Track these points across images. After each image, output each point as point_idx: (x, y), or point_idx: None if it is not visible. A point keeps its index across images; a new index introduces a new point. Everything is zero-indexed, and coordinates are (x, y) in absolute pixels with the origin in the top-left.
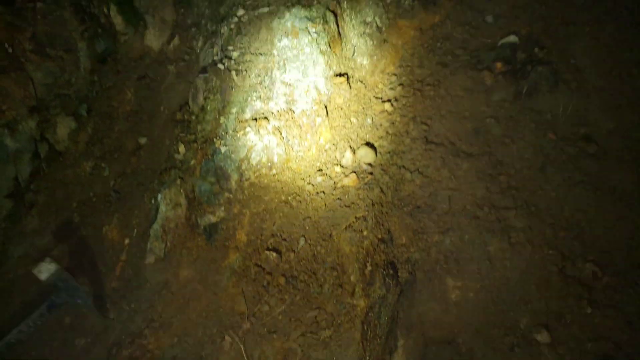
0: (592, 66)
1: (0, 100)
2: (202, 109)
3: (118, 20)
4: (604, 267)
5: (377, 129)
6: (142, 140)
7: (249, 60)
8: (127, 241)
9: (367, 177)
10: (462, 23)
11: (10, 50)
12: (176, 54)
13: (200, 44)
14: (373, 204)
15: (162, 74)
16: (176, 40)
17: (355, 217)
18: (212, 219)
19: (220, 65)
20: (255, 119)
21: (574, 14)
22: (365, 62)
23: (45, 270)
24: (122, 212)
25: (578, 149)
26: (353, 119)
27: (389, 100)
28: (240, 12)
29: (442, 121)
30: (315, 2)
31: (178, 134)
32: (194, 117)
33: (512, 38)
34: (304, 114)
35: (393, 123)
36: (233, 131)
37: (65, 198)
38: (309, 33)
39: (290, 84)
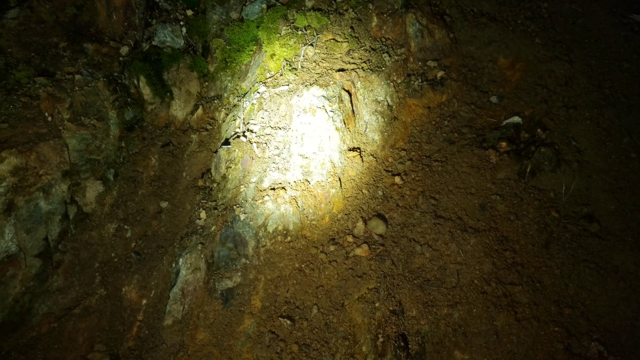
0: (593, 148)
1: (38, 166)
2: (224, 177)
3: (146, 91)
4: (609, 347)
5: (387, 201)
6: (164, 205)
7: (269, 134)
8: (144, 302)
9: (378, 248)
10: (468, 102)
11: (49, 119)
12: (199, 123)
13: (222, 115)
14: (385, 276)
15: (185, 142)
16: (200, 111)
17: (368, 288)
18: (229, 284)
19: (242, 138)
20: (274, 189)
21: (575, 98)
22: (376, 137)
23: None
24: (142, 273)
25: (581, 227)
26: (365, 191)
27: (399, 174)
28: (262, 88)
29: (449, 196)
30: (331, 82)
31: (199, 200)
32: (215, 185)
33: (516, 119)
34: (319, 185)
35: (403, 196)
36: (252, 199)
37: (89, 258)
38: (326, 111)
39: (306, 157)
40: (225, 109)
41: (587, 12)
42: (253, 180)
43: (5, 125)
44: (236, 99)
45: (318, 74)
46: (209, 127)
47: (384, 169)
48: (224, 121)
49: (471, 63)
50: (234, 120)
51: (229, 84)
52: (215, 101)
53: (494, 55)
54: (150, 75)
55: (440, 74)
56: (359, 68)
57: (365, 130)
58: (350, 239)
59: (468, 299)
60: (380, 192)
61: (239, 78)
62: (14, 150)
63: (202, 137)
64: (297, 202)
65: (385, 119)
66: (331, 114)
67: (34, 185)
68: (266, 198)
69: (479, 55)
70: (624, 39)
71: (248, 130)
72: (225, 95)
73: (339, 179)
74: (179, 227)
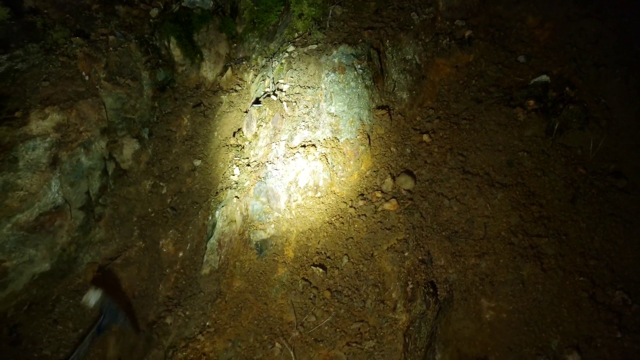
0: (622, 106)
1: (78, 123)
2: (255, 135)
3: (177, 53)
4: (633, 295)
5: (415, 158)
6: (197, 163)
7: (298, 93)
8: (181, 254)
9: (407, 202)
10: (496, 62)
11: (87, 78)
12: (228, 84)
13: (251, 76)
14: (413, 228)
15: (215, 103)
16: (229, 72)
17: (397, 239)
18: (263, 235)
19: (272, 97)
20: (304, 146)
21: (605, 56)
22: (404, 96)
23: (93, 298)
24: (177, 227)
25: (608, 183)
26: (393, 149)
27: (427, 132)
28: (291, 48)
29: (477, 153)
30: (360, 40)
31: (232, 157)
32: (247, 143)
33: (544, 77)
34: (348, 143)
35: (431, 153)
36: (283, 156)
37: (127, 212)
38: (355, 69)
39: (336, 115)
40: (253, 69)
41: None
42: (284, 137)
43: (46, 84)
44: (264, 59)
45: (347, 32)
46: (238, 88)
47: (412, 127)
48: (252, 82)
49: (499, 22)
50: (263, 80)
51: (257, 45)
52: (244, 62)
53: (522, 14)
54: (181, 37)
55: (468, 33)
56: (387, 27)
57: (393, 89)
58: (378, 194)
59: (495, 249)
60: (408, 150)
61: (267, 39)
62: (56, 107)
63: (231, 98)
64: (326, 159)
65: (414, 78)
66: (360, 72)
67: (76, 141)
68: (297, 155)
69: (507, 15)
70: None
71: (278, 89)
72: (254, 56)
73: (368, 137)
74: (213, 184)
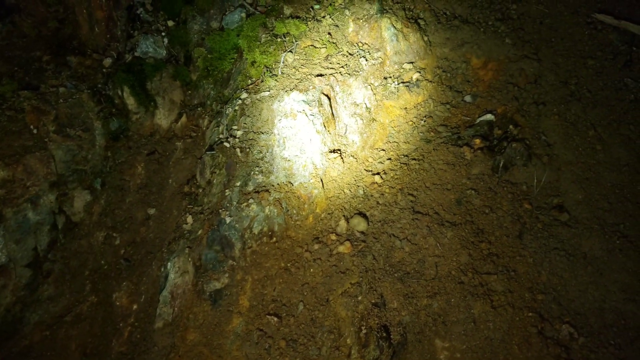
0: (561, 142)
1: (25, 178)
2: (209, 182)
3: (131, 101)
4: (579, 328)
5: (368, 199)
6: (151, 211)
7: (252, 139)
8: (135, 307)
9: (360, 244)
10: (443, 102)
11: (35, 131)
12: (183, 131)
13: (206, 122)
14: (367, 270)
15: (170, 150)
16: (184, 119)
17: (350, 283)
18: (217, 285)
19: (226, 144)
20: (258, 192)
21: (544, 94)
22: (356, 138)
23: None
24: (131, 279)
25: (552, 217)
26: (346, 190)
27: (378, 174)
28: (244, 95)
29: (427, 192)
30: (311, 87)
31: (186, 205)
32: (200, 190)
33: (489, 116)
34: (302, 187)
35: (382, 194)
36: (237, 203)
37: (79, 266)
38: (306, 114)
39: (289, 160)
40: (208, 115)
41: (554, 13)
42: (238, 184)
43: None
44: (219, 105)
45: (298, 79)
46: (193, 134)
47: (364, 169)
48: (207, 128)
49: (445, 64)
50: (217, 126)
51: (212, 92)
52: (199, 109)
53: (467, 56)
54: (134, 86)
55: (415, 75)
56: (337, 72)
57: (345, 132)
58: (333, 237)
59: (446, 289)
60: (361, 191)
61: (221, 85)
62: (1, 163)
63: (186, 145)
64: (281, 204)
65: (364, 121)
66: (311, 117)
67: (22, 197)
68: (251, 201)
69: (452, 57)
70: (588, 37)
71: (231, 135)
72: (209, 102)
73: (321, 180)
74: (167, 233)
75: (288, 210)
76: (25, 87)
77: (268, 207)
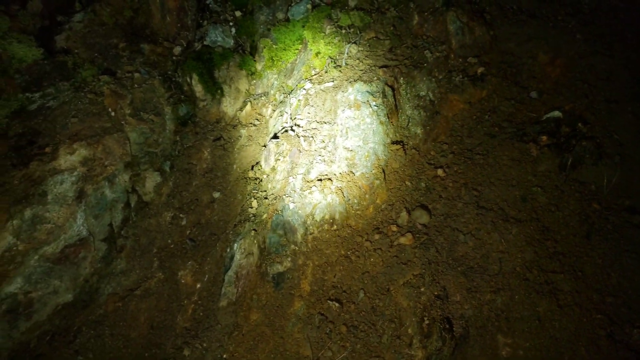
0: (634, 141)
1: (104, 157)
2: (273, 169)
3: (198, 89)
4: None
5: (430, 192)
6: (216, 195)
7: (315, 128)
8: (199, 285)
9: (422, 237)
10: (508, 98)
11: (113, 114)
12: (247, 119)
13: (269, 111)
14: (429, 263)
15: (235, 137)
16: (248, 107)
17: (412, 274)
18: (280, 268)
19: (290, 132)
20: (320, 180)
21: (616, 92)
22: (419, 131)
23: None
24: (196, 259)
25: (623, 219)
26: (408, 183)
27: (441, 167)
28: (308, 85)
29: (491, 188)
30: (375, 78)
31: (251, 190)
32: (265, 176)
33: (556, 113)
34: (364, 177)
35: (446, 188)
36: (300, 190)
37: (148, 244)
38: (370, 105)
39: (351, 150)
40: (272, 105)
41: (628, 7)
42: (301, 171)
43: (75, 120)
44: (282, 95)
45: (362, 70)
46: (256, 122)
47: (427, 162)
48: (271, 117)
49: (511, 59)
50: (281, 115)
51: (276, 82)
52: (263, 98)
53: (533, 51)
54: (202, 74)
55: (480, 70)
56: (401, 64)
57: (407, 124)
58: (394, 228)
59: (510, 285)
60: (423, 184)
61: (285, 75)
62: (83, 142)
63: (250, 132)
64: (342, 193)
65: (427, 114)
66: (375, 108)
67: (101, 175)
68: (313, 188)
69: (518, 52)
70: None
71: (295, 124)
72: (272, 92)
73: (383, 171)
74: (231, 216)
75: (349, 199)
76: (104, 72)
77: (330, 195)
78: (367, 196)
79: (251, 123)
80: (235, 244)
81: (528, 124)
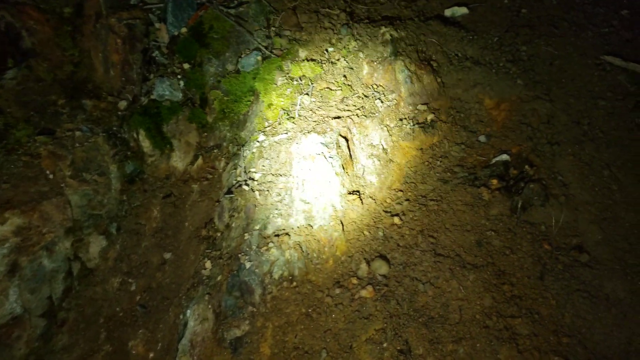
0: (577, 182)
1: (41, 225)
2: (227, 226)
3: (146, 144)
4: None
5: (388, 241)
6: (168, 256)
7: (270, 181)
8: (151, 355)
9: (382, 288)
10: (458, 142)
11: (51, 176)
12: (199, 173)
13: (222, 164)
14: (391, 316)
15: (186, 193)
16: (200, 161)
17: (375, 329)
18: (238, 332)
19: (244, 187)
20: (278, 235)
21: (557, 135)
22: (374, 179)
23: None
24: (147, 326)
25: (572, 258)
26: (366, 232)
27: (397, 215)
28: (261, 137)
29: (447, 234)
30: (328, 129)
31: (204, 250)
32: (219, 234)
33: (504, 156)
34: (322, 229)
35: (403, 236)
36: (257, 247)
37: (93, 314)
38: (325, 157)
39: (308, 202)
40: (225, 157)
41: (563, 55)
42: (257, 227)
43: (7, 186)
44: (236, 147)
45: (315, 121)
46: (209, 176)
47: (383, 210)
48: (224, 170)
49: (459, 105)
50: (235, 169)
51: (228, 134)
52: (215, 150)
53: (479, 96)
54: (150, 129)
55: (430, 116)
56: (353, 115)
57: (363, 173)
58: (354, 280)
59: (471, 333)
60: (381, 233)
61: (237, 127)
62: (17, 210)
63: (203, 187)
64: (301, 247)
65: (381, 162)
66: (330, 160)
67: (38, 244)
68: (270, 245)
69: (465, 97)
70: (597, 78)
71: (250, 178)
72: (225, 144)
73: (341, 222)
74: (184, 278)
75: (308, 253)
76: (41, 132)
77: (288, 250)
78: (326, 249)
79: (203, 177)
80: (189, 310)
81: (479, 167)
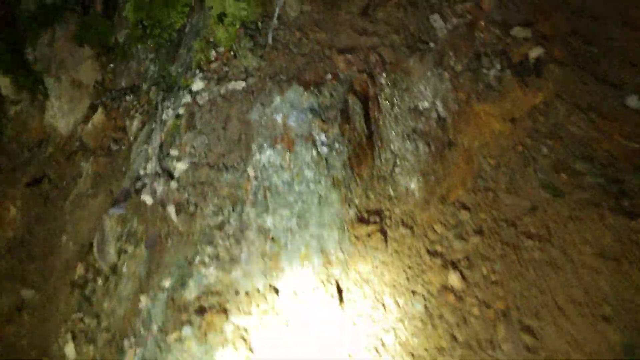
0: None
1: None
2: (114, 270)
3: (5, 82)
4: None
5: (433, 327)
6: (28, 294)
7: (204, 181)
8: None
9: None
10: (583, 107)
11: None
12: (98, 139)
13: (136, 124)
14: None
15: (70, 176)
16: (100, 116)
17: None
18: None
19: (147, 197)
20: (203, 309)
21: None
22: (413, 184)
23: None
24: None
25: None
26: (388, 300)
27: (455, 266)
28: (198, 83)
29: (559, 321)
30: (328, 75)
31: (75, 305)
32: (100, 282)
33: None
34: (297, 299)
35: (464, 319)
36: (159, 329)
37: None
38: (314, 143)
39: (274, 237)
40: (141, 113)
41: None
42: (166, 282)
43: None
44: (161, 95)
45: (304, 56)
46: (113, 146)
47: (427, 250)
48: (137, 138)
49: (590, 28)
50: (147, 143)
51: (152, 66)
52: (128, 97)
53: (631, 12)
54: (1, 53)
55: (536, 52)
56: (382, 45)
57: (392, 171)
58: None
59: None
60: (419, 306)
61: (167, 55)
62: None
63: (100, 166)
64: (248, 343)
65: (433, 147)
66: (325, 149)
67: None
68: (186, 330)
69: (604, 13)
70: None
71: (163, 171)
72: (145, 86)
73: (337, 285)
74: (50, 341)
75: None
76: None
77: (220, 349)
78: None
79: (104, 147)
80: None
81: (626, 165)
